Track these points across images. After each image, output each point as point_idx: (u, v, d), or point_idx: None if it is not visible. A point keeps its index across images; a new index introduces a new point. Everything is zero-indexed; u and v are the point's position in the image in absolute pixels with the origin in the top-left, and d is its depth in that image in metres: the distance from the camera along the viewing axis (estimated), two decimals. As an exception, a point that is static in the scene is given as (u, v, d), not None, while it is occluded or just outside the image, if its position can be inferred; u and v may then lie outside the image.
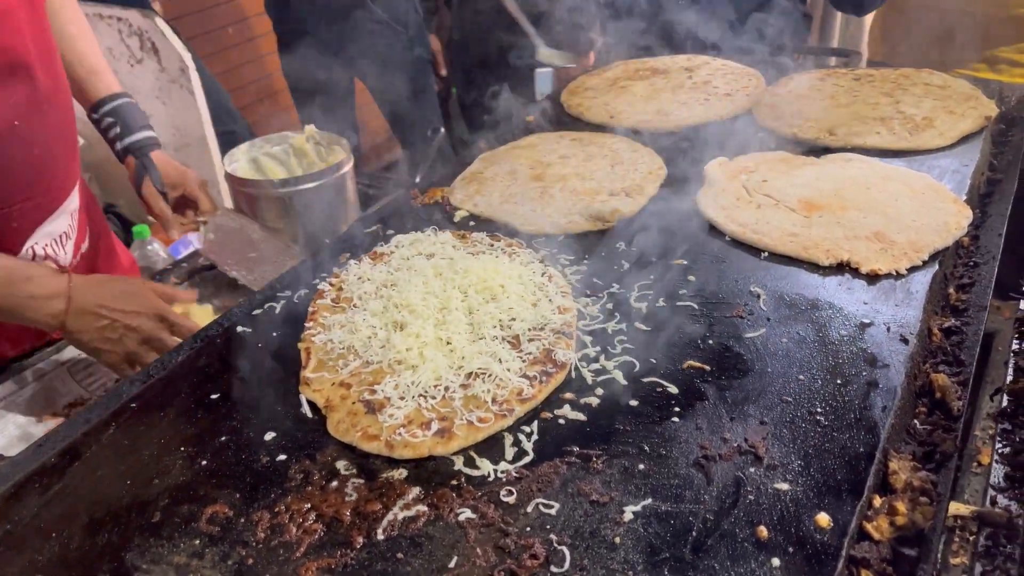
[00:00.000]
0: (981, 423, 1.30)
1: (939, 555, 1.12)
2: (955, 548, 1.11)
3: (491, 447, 1.06)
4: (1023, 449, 1.19)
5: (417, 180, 1.91)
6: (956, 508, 1.13)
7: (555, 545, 0.91)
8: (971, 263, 1.40)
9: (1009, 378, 1.32)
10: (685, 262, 1.41)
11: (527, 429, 1.08)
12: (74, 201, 1.66)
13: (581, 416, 1.10)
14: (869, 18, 3.28)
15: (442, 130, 3.61)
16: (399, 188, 2.05)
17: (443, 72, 4.05)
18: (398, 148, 3.94)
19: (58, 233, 1.61)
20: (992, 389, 1.32)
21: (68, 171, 1.63)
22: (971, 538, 1.08)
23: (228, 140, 2.83)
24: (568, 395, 1.14)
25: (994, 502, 1.14)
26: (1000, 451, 1.21)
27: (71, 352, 1.76)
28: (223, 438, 1.10)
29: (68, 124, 1.61)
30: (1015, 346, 1.38)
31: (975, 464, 1.25)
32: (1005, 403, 1.28)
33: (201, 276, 2.10)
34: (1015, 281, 1.60)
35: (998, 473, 1.17)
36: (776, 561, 0.87)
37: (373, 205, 2.22)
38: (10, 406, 1.66)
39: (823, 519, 0.92)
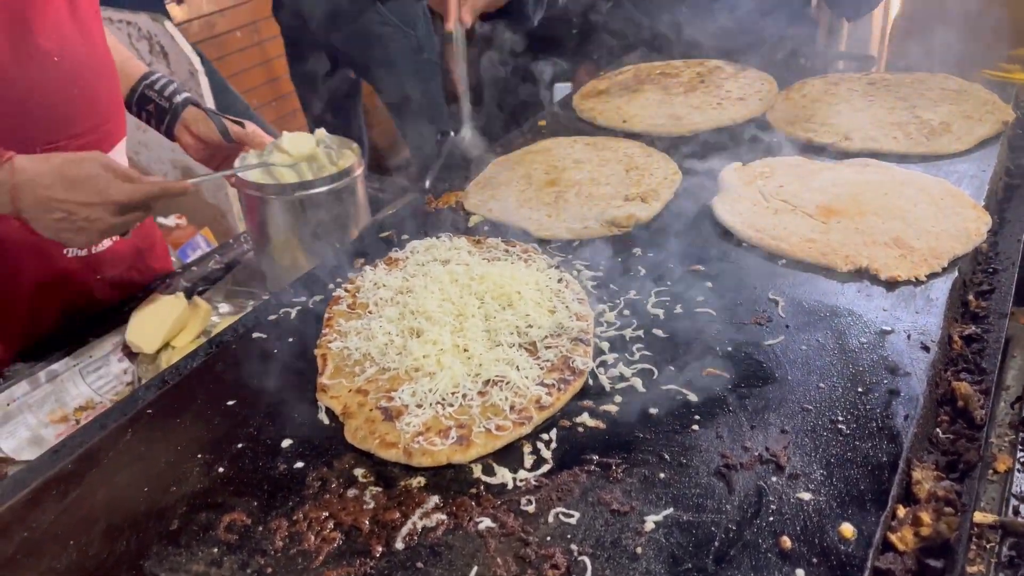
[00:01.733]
0: (997, 430, 1.28)
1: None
2: (972, 556, 1.10)
3: (510, 455, 1.05)
4: (1046, 458, 1.18)
5: (427, 184, 1.90)
6: (978, 517, 1.12)
7: (576, 555, 0.90)
8: (991, 269, 1.39)
9: (1030, 386, 1.31)
10: (702, 268, 1.40)
11: (545, 437, 1.07)
12: (123, 155, 1.69)
13: (600, 424, 1.09)
14: (878, 22, 3.27)
15: (452, 133, 3.60)
16: (409, 192, 2.04)
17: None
18: (407, 151, 3.94)
19: None
20: (1008, 395, 1.31)
21: (111, 115, 1.65)
22: (988, 546, 1.07)
23: None
24: (586, 402, 1.13)
25: (1016, 512, 1.13)
26: (1023, 460, 1.19)
27: (83, 354, 1.76)
28: (240, 445, 1.10)
29: (108, 66, 1.63)
30: (1035, 354, 1.37)
31: (991, 472, 1.24)
32: (1026, 411, 1.27)
33: (211, 281, 2.09)
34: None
35: (1020, 482, 1.16)
36: (800, 572, 0.86)
37: (383, 209, 2.22)
38: (23, 407, 1.66)
39: (847, 530, 0.91)
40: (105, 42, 1.65)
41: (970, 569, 1.08)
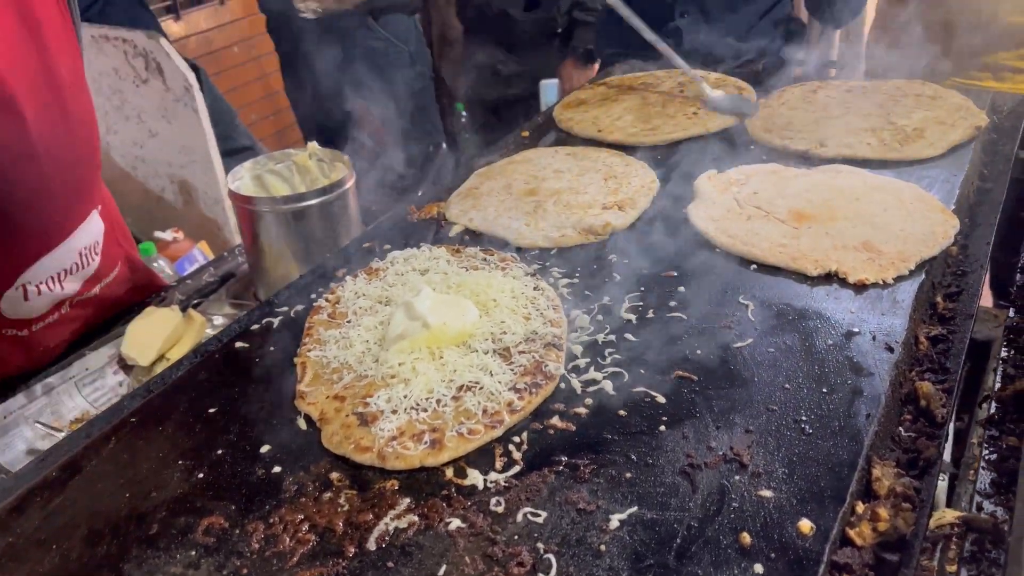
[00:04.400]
0: (977, 432, 1.31)
1: (936, 563, 1.14)
2: (952, 556, 1.12)
3: (481, 457, 1.08)
4: (1010, 455, 1.20)
5: (420, 194, 1.94)
6: (945, 515, 1.15)
7: (542, 553, 0.93)
8: (959, 272, 1.42)
9: (997, 385, 1.33)
10: (675, 274, 1.43)
11: (517, 439, 1.10)
12: (80, 239, 1.62)
13: (570, 426, 1.12)
14: (867, 29, 3.30)
15: (444, 146, 3.65)
16: (400, 204, 2.07)
17: None
18: (399, 164, 3.99)
19: (56, 270, 1.59)
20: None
21: (63, 213, 1.55)
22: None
23: (249, 156, 2.83)
24: (558, 405, 1.15)
25: (980, 508, 1.15)
26: (987, 457, 1.22)
27: (79, 366, 1.79)
28: (220, 451, 1.13)
29: (69, 165, 1.51)
30: (1003, 353, 1.39)
31: (971, 472, 1.26)
32: (992, 410, 1.30)
33: (205, 293, 2.13)
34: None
35: (984, 479, 1.19)
36: (759, 567, 0.89)
37: (374, 221, 2.25)
38: (19, 420, 1.69)
39: (805, 525, 0.93)
40: (78, 138, 1.51)
41: (950, 568, 1.10)
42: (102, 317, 1.90)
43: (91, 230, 1.67)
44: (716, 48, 2.45)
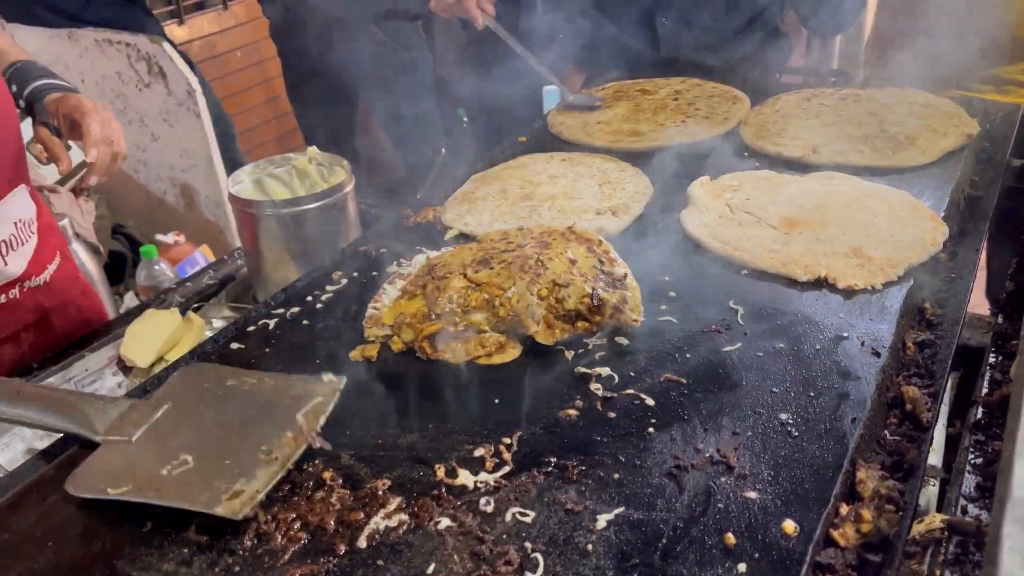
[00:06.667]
0: (966, 437, 1.32)
1: (925, 567, 1.15)
2: (941, 560, 1.13)
3: (472, 459, 1.09)
4: (994, 460, 1.21)
5: (418, 197, 1.95)
6: (933, 519, 1.16)
7: (530, 552, 0.94)
8: (948, 278, 1.43)
9: (984, 391, 1.34)
10: (667, 278, 1.44)
11: (507, 440, 1.11)
12: (13, 209, 1.62)
13: (560, 428, 1.13)
14: (865, 37, 3.32)
15: (443, 150, 3.66)
16: (399, 208, 2.09)
17: None
18: (401, 168, 4.01)
19: None
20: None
21: None
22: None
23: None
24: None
25: (965, 511, 1.16)
26: (972, 462, 1.23)
27: (79, 367, 1.81)
28: (215, 450, 1.14)
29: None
30: (991, 359, 1.40)
31: (960, 477, 1.27)
32: (979, 415, 1.31)
33: (205, 296, 2.15)
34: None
35: (970, 483, 1.20)
36: (742, 567, 0.90)
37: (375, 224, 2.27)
38: (18, 420, 1.70)
39: (789, 526, 0.95)
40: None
41: (938, 572, 1.11)
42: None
43: (24, 204, 1.66)
44: (696, 56, 2.46)
